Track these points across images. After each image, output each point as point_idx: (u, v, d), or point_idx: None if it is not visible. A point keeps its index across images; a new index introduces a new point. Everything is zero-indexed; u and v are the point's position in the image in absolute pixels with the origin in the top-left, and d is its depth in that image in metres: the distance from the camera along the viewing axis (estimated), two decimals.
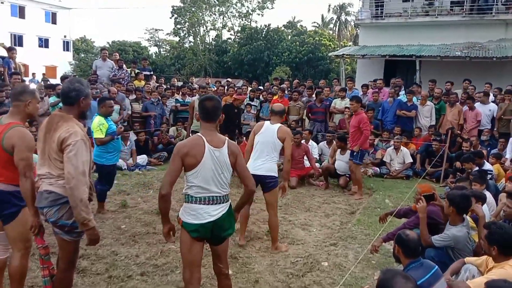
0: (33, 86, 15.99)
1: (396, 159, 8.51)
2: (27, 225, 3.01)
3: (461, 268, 3.31)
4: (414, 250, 2.94)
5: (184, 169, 2.71)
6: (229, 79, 16.62)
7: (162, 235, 4.72)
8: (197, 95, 9.94)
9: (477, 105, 9.03)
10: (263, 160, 4.41)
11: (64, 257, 2.86)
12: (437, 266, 2.97)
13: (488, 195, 4.92)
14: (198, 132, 2.85)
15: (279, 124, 4.53)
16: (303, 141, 8.17)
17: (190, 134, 7.80)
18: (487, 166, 6.76)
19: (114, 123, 8.74)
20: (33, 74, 23.94)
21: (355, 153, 6.89)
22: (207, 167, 2.65)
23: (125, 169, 8.09)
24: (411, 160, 8.46)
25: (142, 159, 8.56)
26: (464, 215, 3.72)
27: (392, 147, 8.55)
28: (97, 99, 6.19)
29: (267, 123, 4.62)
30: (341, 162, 7.52)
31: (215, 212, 2.70)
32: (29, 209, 2.87)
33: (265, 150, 4.44)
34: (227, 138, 2.82)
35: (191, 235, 2.70)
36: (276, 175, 4.56)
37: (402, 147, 8.47)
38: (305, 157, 7.77)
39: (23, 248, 2.98)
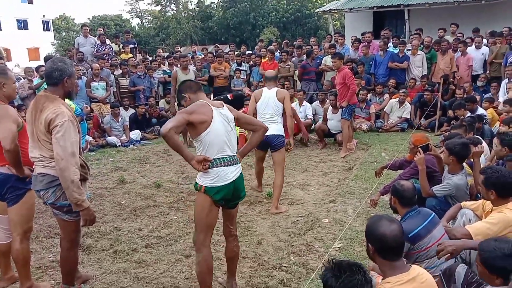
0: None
1: (397, 112, 8.48)
2: (30, 209, 3.02)
3: (458, 213, 3.36)
4: (410, 199, 2.97)
5: (196, 132, 2.69)
6: (217, 45, 16.23)
7: (163, 207, 4.85)
8: (178, 65, 9.47)
9: (469, 49, 8.94)
10: (268, 123, 4.46)
11: (66, 237, 2.90)
12: (434, 213, 3.02)
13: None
14: None
15: (276, 88, 4.89)
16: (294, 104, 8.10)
17: (176, 107, 7.61)
18: (480, 111, 6.76)
19: (100, 99, 8.70)
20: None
21: (343, 109, 6.91)
22: (218, 124, 2.71)
23: (119, 145, 8.03)
24: (409, 116, 8.47)
25: (135, 134, 8.49)
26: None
27: (397, 99, 8.43)
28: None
29: (265, 89, 4.91)
30: (333, 121, 7.52)
31: (233, 173, 2.78)
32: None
33: (268, 113, 4.78)
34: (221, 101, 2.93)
35: (214, 198, 2.73)
36: (283, 134, 4.82)
37: (406, 102, 8.43)
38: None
39: (22, 233, 2.99)
